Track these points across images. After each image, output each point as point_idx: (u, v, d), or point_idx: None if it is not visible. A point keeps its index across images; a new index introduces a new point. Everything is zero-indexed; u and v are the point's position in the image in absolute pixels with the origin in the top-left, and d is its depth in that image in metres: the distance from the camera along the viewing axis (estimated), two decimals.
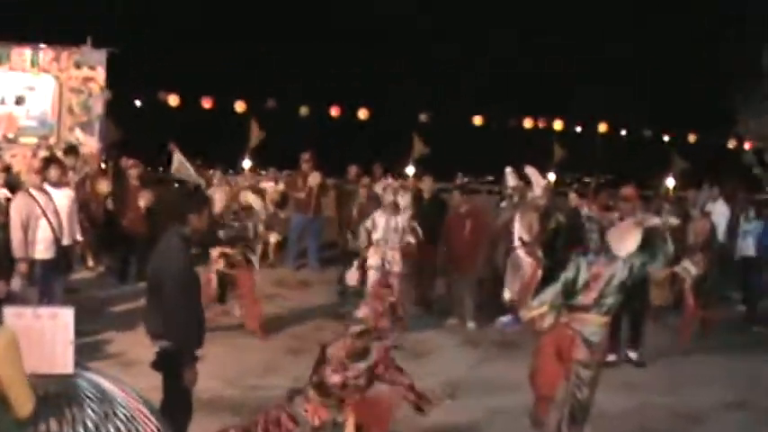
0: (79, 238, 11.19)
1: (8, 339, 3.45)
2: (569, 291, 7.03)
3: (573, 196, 13.08)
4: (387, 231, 11.31)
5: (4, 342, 3.43)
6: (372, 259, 11.37)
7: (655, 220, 9.67)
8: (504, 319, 7.43)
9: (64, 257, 10.21)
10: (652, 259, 7.04)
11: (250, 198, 11.46)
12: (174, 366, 6.16)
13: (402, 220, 11.39)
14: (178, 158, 15.23)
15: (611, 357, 9.54)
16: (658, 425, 8.23)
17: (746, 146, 25.74)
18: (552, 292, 7.20)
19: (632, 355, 10.08)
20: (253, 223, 11.23)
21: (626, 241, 7.23)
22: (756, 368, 10.36)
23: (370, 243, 11.46)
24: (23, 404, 3.53)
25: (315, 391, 6.47)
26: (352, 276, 11.77)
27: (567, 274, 7.10)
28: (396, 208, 11.39)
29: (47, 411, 4.44)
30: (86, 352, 9.39)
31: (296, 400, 6.53)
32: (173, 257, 6.21)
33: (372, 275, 11.22)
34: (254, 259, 11.17)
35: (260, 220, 11.46)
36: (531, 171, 12.05)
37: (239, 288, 11.03)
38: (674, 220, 12.08)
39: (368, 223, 11.51)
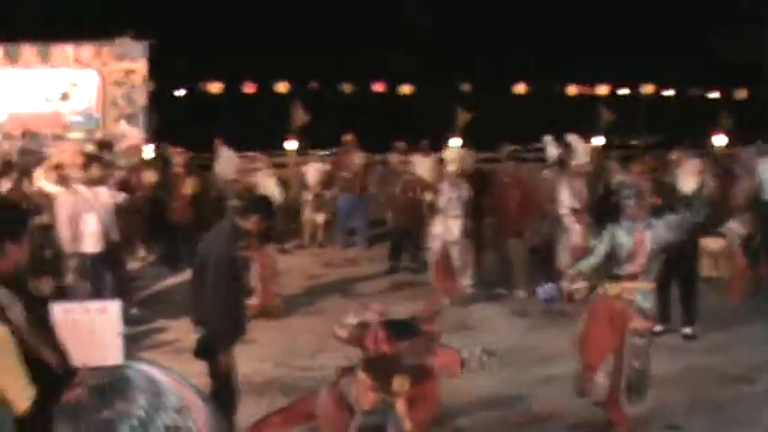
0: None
1: None
2: (615, 260, 6.98)
3: (613, 163, 12.95)
4: (449, 201, 11.42)
5: None
6: (436, 228, 11.61)
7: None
8: (544, 288, 7.37)
9: (114, 251, 10.37)
10: (692, 217, 6.97)
11: (269, 185, 11.56)
12: (212, 352, 6.28)
13: (464, 189, 11.48)
14: (225, 153, 15.36)
15: (659, 327, 9.50)
16: (707, 387, 8.17)
17: None
18: (587, 264, 7.17)
19: (686, 330, 9.92)
20: None
21: (689, 180, 7.20)
22: None
23: (434, 212, 11.67)
24: (17, 401, 3.63)
25: (364, 372, 6.54)
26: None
27: (600, 245, 7.07)
28: (458, 178, 11.48)
29: (99, 403, 4.58)
30: (140, 340, 9.68)
31: (345, 380, 6.62)
32: (220, 244, 6.34)
33: (436, 245, 11.55)
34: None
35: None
36: (572, 138, 11.97)
37: (260, 267, 11.07)
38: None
39: (429, 195, 11.70)
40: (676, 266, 9.55)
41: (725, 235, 11.07)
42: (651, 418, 7.15)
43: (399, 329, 6.50)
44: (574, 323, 7.51)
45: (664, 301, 9.83)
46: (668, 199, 8.76)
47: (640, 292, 6.91)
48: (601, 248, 7.03)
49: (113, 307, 5.08)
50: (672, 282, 9.85)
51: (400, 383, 6.33)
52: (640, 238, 6.87)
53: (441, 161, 14.44)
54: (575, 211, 11.48)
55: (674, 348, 9.29)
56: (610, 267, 7.01)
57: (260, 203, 6.86)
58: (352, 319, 6.62)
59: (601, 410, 7.14)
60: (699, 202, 7.00)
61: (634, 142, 28.43)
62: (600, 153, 15.29)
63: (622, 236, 6.91)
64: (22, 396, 3.64)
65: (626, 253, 6.89)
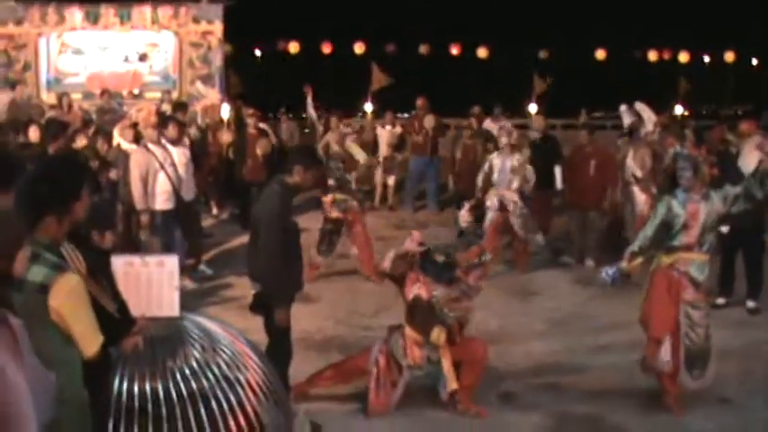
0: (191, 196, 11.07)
1: (71, 285, 3.78)
2: (669, 232, 6.93)
3: (687, 133, 12.72)
4: (502, 173, 11.39)
5: (68, 288, 3.76)
6: (490, 201, 11.50)
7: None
8: (607, 272, 7.33)
9: (187, 210, 10.63)
10: (754, 190, 6.83)
11: (354, 149, 11.75)
12: (268, 309, 6.42)
13: (515, 162, 11.40)
14: (308, 102, 15.50)
15: (721, 300, 9.42)
16: (765, 362, 8.03)
17: None
18: (644, 236, 7.08)
19: (750, 303, 9.72)
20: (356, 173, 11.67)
21: (751, 153, 7.08)
22: None
23: (487, 185, 11.59)
24: (86, 346, 3.85)
25: (408, 326, 6.72)
26: (463, 217, 11.90)
27: (657, 216, 7.00)
28: (512, 150, 11.43)
29: (155, 352, 4.78)
30: (207, 296, 9.95)
31: (393, 337, 6.80)
32: (271, 202, 6.40)
33: (490, 216, 11.45)
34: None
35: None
36: (641, 107, 11.85)
37: (353, 233, 11.16)
38: None
39: (486, 166, 11.65)
40: (743, 239, 9.44)
41: None
42: (704, 390, 7.08)
43: (436, 269, 6.67)
44: (637, 294, 7.46)
45: (728, 274, 9.76)
46: (730, 171, 8.64)
47: (694, 264, 6.84)
48: (657, 219, 6.99)
49: (171, 261, 5.31)
50: (738, 254, 9.73)
51: (437, 334, 6.51)
52: (694, 209, 6.79)
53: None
54: (637, 180, 11.39)
55: (736, 322, 9.16)
56: (666, 238, 6.96)
57: (299, 153, 6.91)
58: (392, 253, 6.86)
59: (654, 380, 7.12)
60: (760, 175, 6.82)
61: (725, 112, 27.81)
62: (671, 122, 14.95)
63: (677, 207, 6.84)
64: (93, 341, 3.87)
65: (680, 224, 6.82)
